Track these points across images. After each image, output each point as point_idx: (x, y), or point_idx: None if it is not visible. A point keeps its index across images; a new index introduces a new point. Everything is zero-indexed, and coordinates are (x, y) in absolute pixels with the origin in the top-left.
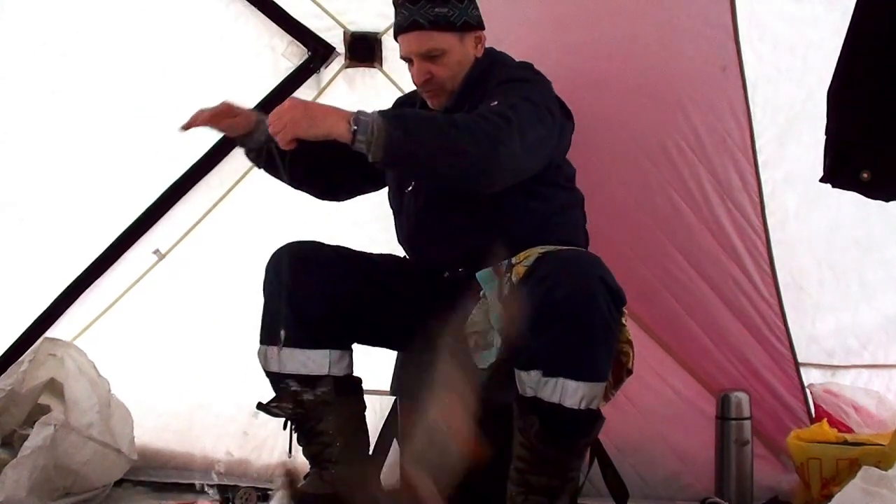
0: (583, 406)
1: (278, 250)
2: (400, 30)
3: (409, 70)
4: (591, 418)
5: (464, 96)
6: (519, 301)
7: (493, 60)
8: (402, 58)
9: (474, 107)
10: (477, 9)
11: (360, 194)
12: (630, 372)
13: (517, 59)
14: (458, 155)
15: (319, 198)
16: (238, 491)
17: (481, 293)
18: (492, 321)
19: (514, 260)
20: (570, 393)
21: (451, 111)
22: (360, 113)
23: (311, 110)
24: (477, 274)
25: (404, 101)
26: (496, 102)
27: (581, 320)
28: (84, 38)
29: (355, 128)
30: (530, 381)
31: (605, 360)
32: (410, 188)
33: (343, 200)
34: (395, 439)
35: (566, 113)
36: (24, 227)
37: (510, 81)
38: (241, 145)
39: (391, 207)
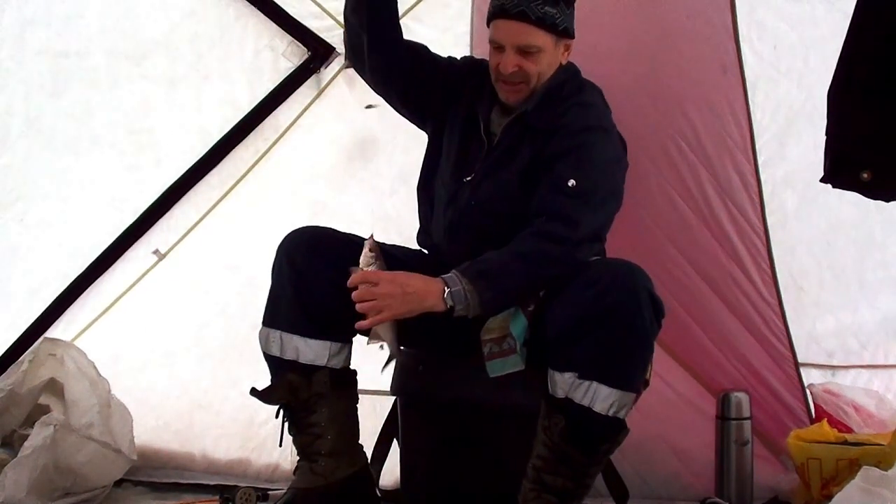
0: (611, 413)
1: (291, 233)
2: (504, 14)
3: (492, 56)
4: (616, 427)
5: (543, 104)
6: (559, 304)
7: (569, 71)
8: (492, 41)
9: (552, 117)
10: (574, 18)
11: (407, 115)
12: (647, 384)
13: None
14: (544, 281)
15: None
16: (238, 491)
17: None
18: (512, 329)
19: None
20: (602, 398)
21: (528, 114)
22: (447, 281)
23: (408, 295)
24: None
25: (473, 65)
26: (574, 182)
27: (625, 329)
28: (84, 38)
29: (451, 303)
30: (563, 383)
31: (640, 372)
32: (469, 178)
33: (396, 108)
34: (395, 439)
35: (624, 147)
36: (24, 227)
37: (589, 131)
38: None
39: (430, 193)
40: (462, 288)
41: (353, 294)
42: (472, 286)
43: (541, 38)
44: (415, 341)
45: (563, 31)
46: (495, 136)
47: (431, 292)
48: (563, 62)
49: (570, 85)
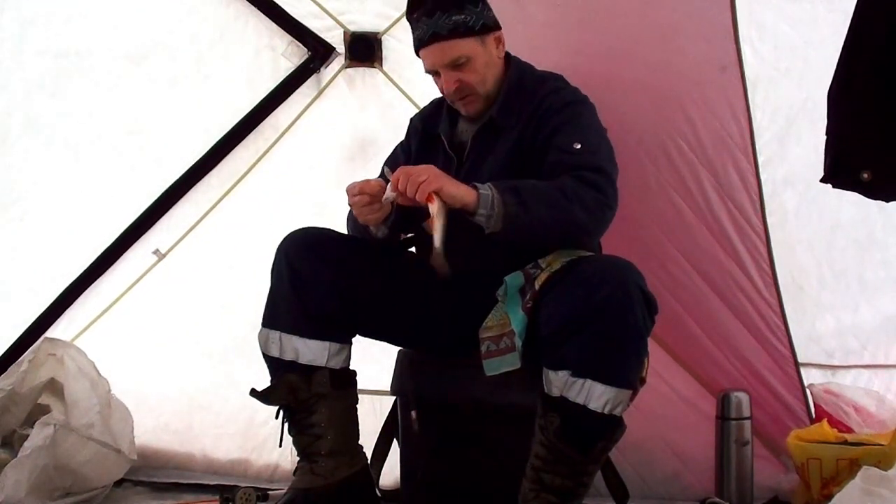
0: (607, 410)
1: (290, 234)
2: (421, 44)
3: (437, 83)
4: (612, 424)
5: (507, 107)
6: (551, 302)
7: (521, 67)
8: (428, 71)
9: (522, 118)
10: (490, 10)
11: None
12: (643, 381)
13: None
14: (571, 226)
15: None
16: (238, 491)
17: (499, 294)
18: (513, 325)
19: (542, 263)
20: (597, 396)
21: (495, 120)
22: (479, 186)
23: (446, 175)
24: (507, 278)
25: (426, 115)
26: (579, 146)
27: (617, 325)
28: (84, 38)
29: (478, 205)
30: (557, 381)
31: (635, 368)
32: None
33: None
34: (395, 439)
35: None
36: (24, 227)
37: (573, 104)
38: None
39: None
40: (491, 194)
41: (403, 174)
42: (501, 197)
43: (463, 48)
44: (415, 341)
45: (483, 29)
46: (467, 144)
47: (465, 186)
48: (501, 55)
49: (528, 78)
